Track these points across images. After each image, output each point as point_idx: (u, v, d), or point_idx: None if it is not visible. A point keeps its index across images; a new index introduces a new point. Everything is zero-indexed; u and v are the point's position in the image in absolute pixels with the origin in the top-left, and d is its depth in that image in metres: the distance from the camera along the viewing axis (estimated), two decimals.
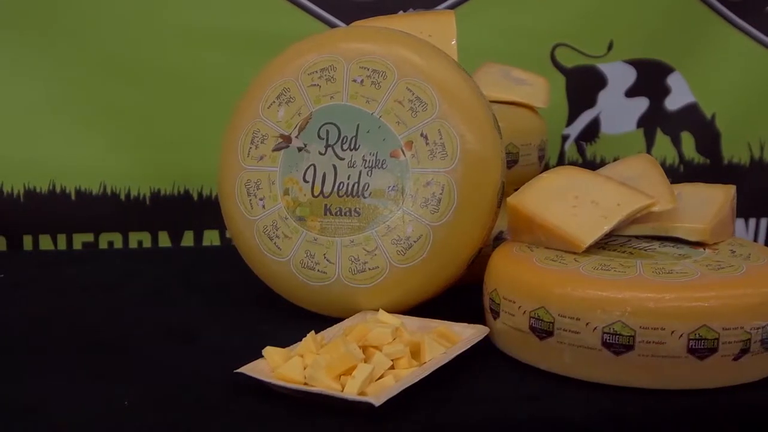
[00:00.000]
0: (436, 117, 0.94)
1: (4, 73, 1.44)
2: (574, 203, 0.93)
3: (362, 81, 0.96)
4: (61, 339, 0.97)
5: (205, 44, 1.48)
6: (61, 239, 1.52)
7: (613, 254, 0.90)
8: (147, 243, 1.57)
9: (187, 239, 1.58)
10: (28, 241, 1.50)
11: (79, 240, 1.53)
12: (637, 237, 0.97)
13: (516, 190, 1.00)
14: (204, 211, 1.56)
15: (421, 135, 0.94)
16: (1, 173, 1.46)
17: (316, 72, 0.98)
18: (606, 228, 0.91)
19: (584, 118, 1.64)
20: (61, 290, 1.18)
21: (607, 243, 0.95)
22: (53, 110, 1.47)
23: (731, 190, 0.98)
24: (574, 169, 0.98)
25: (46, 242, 1.51)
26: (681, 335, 0.79)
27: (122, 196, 1.52)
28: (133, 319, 1.04)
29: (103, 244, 1.54)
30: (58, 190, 1.48)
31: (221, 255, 1.50)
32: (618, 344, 0.80)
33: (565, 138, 1.64)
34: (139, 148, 1.51)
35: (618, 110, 1.64)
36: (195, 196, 1.54)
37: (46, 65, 1.45)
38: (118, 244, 1.56)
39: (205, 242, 1.59)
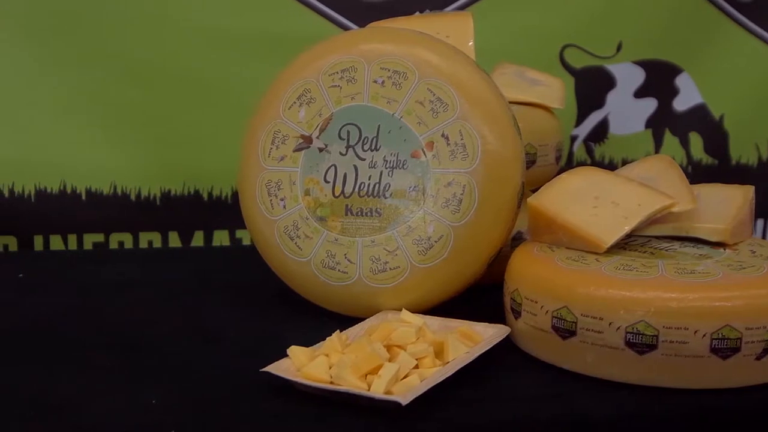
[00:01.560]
0: (457, 117, 0.94)
1: (15, 75, 1.45)
2: (594, 204, 0.94)
3: (383, 82, 0.96)
4: (82, 339, 0.97)
5: (215, 45, 1.48)
6: (72, 239, 1.52)
7: (634, 254, 0.91)
8: (157, 243, 1.57)
9: (197, 239, 1.58)
10: (38, 241, 1.50)
11: (90, 240, 1.53)
12: (657, 237, 0.98)
13: (533, 190, 1.01)
14: (214, 211, 1.56)
15: (442, 135, 0.95)
16: (12, 173, 1.46)
17: (337, 73, 0.98)
18: (627, 228, 0.91)
19: (593, 119, 1.65)
20: (77, 290, 1.18)
21: (627, 243, 0.95)
22: (64, 111, 1.47)
23: (750, 190, 0.99)
24: (594, 169, 0.99)
25: (56, 242, 1.51)
26: (704, 335, 0.79)
27: (132, 197, 1.52)
28: (152, 319, 1.04)
29: (113, 245, 1.55)
30: (68, 190, 1.49)
31: (233, 255, 1.51)
32: (641, 344, 0.81)
33: (573, 138, 1.65)
34: (150, 149, 1.51)
35: (626, 111, 1.65)
36: (205, 196, 1.55)
37: (57, 66, 1.45)
38: (129, 244, 1.56)
39: (215, 242, 1.59)
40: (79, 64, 1.45)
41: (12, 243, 1.49)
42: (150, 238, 1.56)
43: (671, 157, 1.05)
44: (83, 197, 1.49)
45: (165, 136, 1.50)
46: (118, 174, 1.50)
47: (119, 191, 1.50)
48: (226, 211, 1.56)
